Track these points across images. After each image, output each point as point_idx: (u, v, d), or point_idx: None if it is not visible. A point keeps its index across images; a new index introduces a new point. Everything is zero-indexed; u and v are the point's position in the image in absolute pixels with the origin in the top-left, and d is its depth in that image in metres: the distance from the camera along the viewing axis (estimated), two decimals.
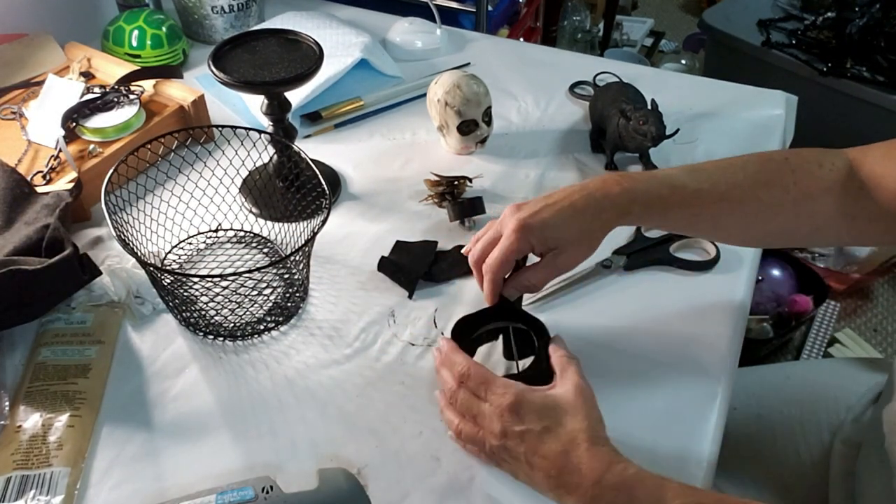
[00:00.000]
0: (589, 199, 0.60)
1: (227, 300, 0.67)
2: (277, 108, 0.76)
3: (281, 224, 0.79)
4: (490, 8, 1.43)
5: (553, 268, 0.62)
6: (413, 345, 0.68)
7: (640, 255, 0.76)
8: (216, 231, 0.79)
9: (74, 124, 0.84)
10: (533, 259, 0.63)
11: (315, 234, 0.64)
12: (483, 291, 0.63)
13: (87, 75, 0.93)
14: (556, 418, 0.53)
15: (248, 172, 0.80)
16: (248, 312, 0.69)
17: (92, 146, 0.82)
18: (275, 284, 0.73)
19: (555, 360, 0.58)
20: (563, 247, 0.60)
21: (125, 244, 0.62)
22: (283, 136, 0.77)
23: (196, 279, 0.63)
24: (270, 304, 0.71)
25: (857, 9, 1.66)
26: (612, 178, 0.61)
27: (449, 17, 1.28)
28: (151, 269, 0.64)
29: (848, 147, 0.65)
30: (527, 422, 0.53)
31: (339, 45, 1.01)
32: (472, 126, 0.87)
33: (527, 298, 0.70)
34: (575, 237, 0.60)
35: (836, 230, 0.64)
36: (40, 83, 0.90)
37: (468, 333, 0.63)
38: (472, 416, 0.56)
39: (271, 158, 0.80)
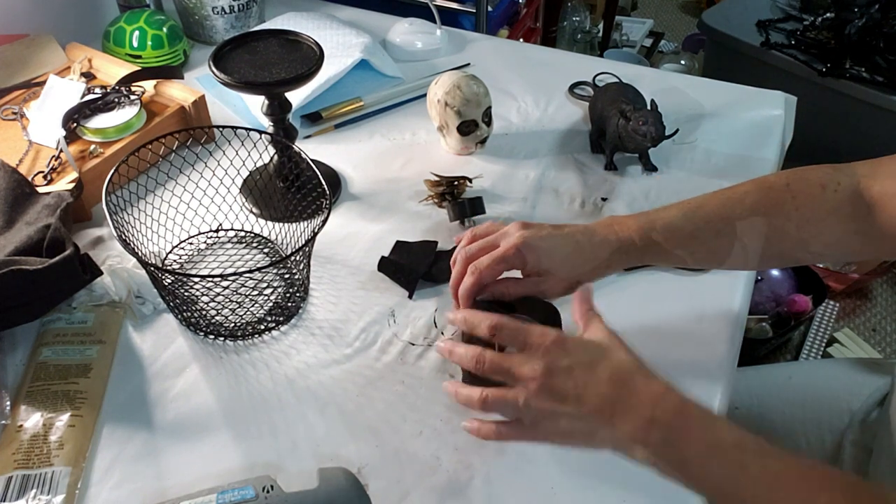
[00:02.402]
0: (590, 239, 0.61)
1: (227, 300, 0.67)
2: (278, 109, 0.76)
3: (281, 224, 0.79)
4: (490, 8, 1.43)
5: (533, 288, 0.62)
6: (413, 345, 0.69)
7: None
8: (217, 231, 0.79)
9: (75, 125, 0.84)
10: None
11: (315, 234, 0.64)
12: (460, 288, 0.61)
13: (88, 76, 0.93)
14: (602, 353, 0.52)
15: (248, 173, 0.81)
16: (248, 312, 0.70)
17: (93, 146, 0.82)
18: (275, 284, 0.73)
19: (580, 313, 0.57)
20: (552, 275, 0.61)
21: (126, 244, 0.62)
22: (283, 136, 0.78)
23: (197, 279, 0.63)
24: (271, 304, 0.71)
25: (855, 9, 1.66)
26: (612, 226, 0.62)
27: (449, 18, 1.28)
28: (152, 269, 0.64)
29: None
30: (573, 355, 0.51)
31: (340, 45, 1.01)
32: (472, 126, 0.87)
33: None
34: (566, 269, 0.61)
35: (849, 247, 0.63)
36: (41, 84, 0.90)
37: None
38: (505, 372, 0.53)
39: (272, 159, 0.80)
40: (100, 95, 0.86)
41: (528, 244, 0.59)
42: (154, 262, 0.72)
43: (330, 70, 0.96)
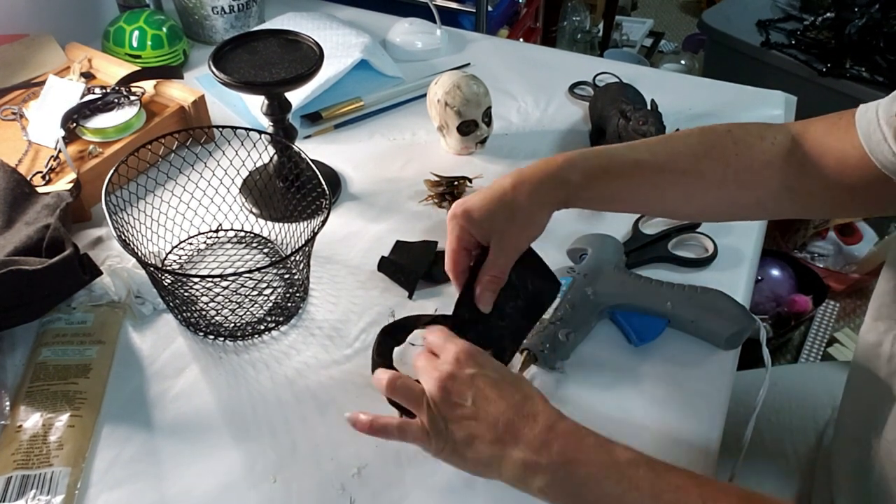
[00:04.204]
0: (520, 178, 0.58)
1: (227, 300, 0.67)
2: (278, 109, 0.76)
3: (281, 224, 0.79)
4: (490, 8, 1.43)
5: (501, 253, 0.59)
6: (413, 345, 0.68)
7: (639, 252, 0.77)
8: (216, 231, 0.79)
9: (75, 125, 0.84)
10: None
11: (315, 234, 0.64)
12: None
13: (88, 76, 0.93)
14: (511, 376, 0.54)
15: (248, 173, 0.81)
16: (248, 312, 0.70)
17: (92, 147, 0.82)
18: (275, 284, 0.73)
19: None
20: (501, 231, 0.59)
21: (125, 244, 0.62)
22: (283, 136, 0.78)
23: (196, 279, 0.63)
24: (271, 305, 0.71)
25: (856, 9, 1.66)
26: (552, 157, 0.60)
27: (449, 18, 1.28)
28: (152, 269, 0.64)
29: None
30: (482, 367, 0.53)
31: (340, 45, 1.01)
32: (472, 126, 0.87)
33: None
34: (507, 218, 0.58)
35: (779, 204, 0.63)
36: (41, 84, 0.90)
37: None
38: (418, 372, 0.55)
39: (271, 159, 0.80)
40: (99, 95, 0.86)
41: (454, 216, 0.58)
42: (154, 262, 0.72)
43: (330, 70, 0.96)
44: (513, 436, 0.50)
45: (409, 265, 0.75)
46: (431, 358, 0.55)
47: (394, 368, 0.55)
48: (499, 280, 0.60)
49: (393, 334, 0.61)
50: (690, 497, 0.46)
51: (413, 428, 0.53)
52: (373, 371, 0.59)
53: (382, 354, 0.59)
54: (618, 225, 0.80)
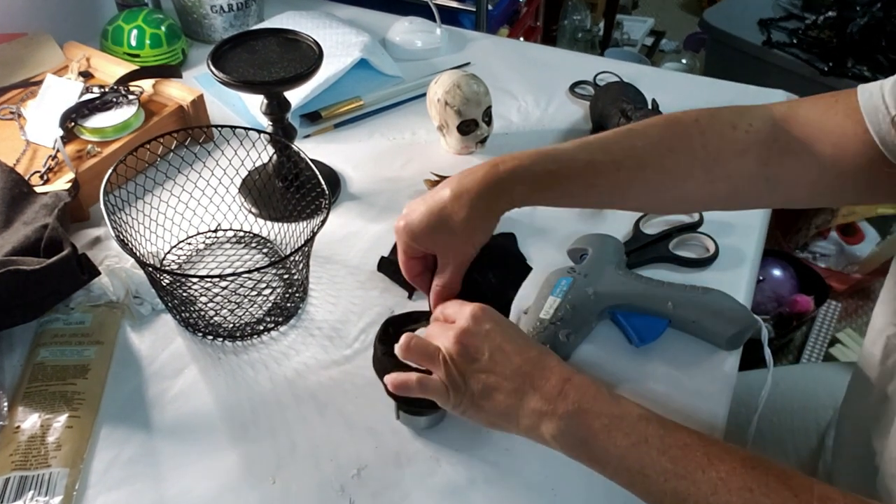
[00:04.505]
0: (459, 188, 0.56)
1: (226, 300, 0.67)
2: (277, 108, 0.76)
3: (280, 224, 0.79)
4: (490, 7, 1.42)
5: (448, 265, 0.58)
6: None
7: (640, 252, 0.76)
8: (215, 231, 0.79)
9: (73, 124, 0.84)
10: None
11: (314, 234, 0.64)
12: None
13: (86, 75, 0.92)
14: (525, 334, 0.55)
15: (247, 172, 0.80)
16: (247, 313, 0.69)
17: (90, 146, 0.82)
18: (274, 285, 0.73)
19: None
20: (444, 244, 0.57)
21: (124, 244, 0.62)
22: (282, 135, 0.77)
23: (195, 279, 0.63)
24: (270, 305, 0.71)
25: (858, 8, 1.66)
26: (493, 161, 0.57)
27: (449, 17, 1.27)
28: (150, 269, 0.63)
29: None
30: (497, 324, 0.53)
31: (339, 44, 1.01)
32: (472, 126, 0.87)
33: None
34: (448, 232, 0.56)
35: (756, 194, 0.61)
36: (39, 83, 0.90)
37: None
38: (431, 338, 0.55)
39: (271, 158, 0.80)
40: (98, 95, 0.85)
41: (398, 231, 0.58)
42: (152, 262, 0.72)
43: (329, 69, 0.95)
44: (530, 386, 0.50)
45: None
46: (445, 323, 0.55)
47: (395, 357, 0.55)
48: (449, 289, 0.59)
49: (398, 325, 0.61)
50: (696, 454, 0.46)
51: (432, 383, 0.53)
52: (374, 358, 0.59)
53: (385, 342, 0.58)
54: (618, 225, 0.80)
